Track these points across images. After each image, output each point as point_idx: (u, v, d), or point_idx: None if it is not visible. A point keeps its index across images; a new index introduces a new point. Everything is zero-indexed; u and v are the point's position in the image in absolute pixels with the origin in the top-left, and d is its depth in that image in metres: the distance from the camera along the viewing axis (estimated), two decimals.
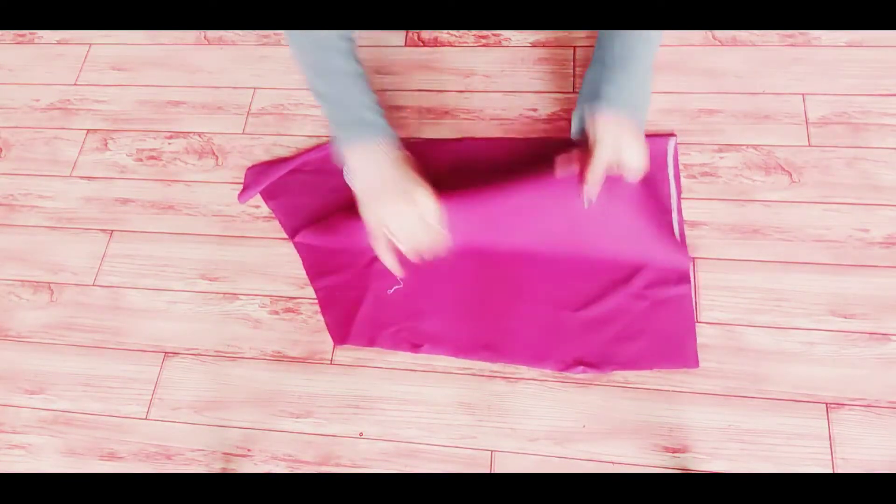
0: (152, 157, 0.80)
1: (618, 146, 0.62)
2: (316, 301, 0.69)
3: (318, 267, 0.70)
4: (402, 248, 0.65)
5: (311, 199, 0.74)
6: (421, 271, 0.68)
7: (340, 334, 0.67)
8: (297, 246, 0.72)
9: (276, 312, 0.69)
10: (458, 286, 0.68)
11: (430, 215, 0.64)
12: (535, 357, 0.64)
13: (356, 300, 0.68)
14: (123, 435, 0.66)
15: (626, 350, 0.63)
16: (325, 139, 0.78)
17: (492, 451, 0.62)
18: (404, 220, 0.63)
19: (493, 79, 0.80)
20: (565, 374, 0.63)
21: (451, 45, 0.83)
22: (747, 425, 0.60)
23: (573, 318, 0.65)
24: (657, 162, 0.71)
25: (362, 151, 0.64)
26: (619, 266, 0.66)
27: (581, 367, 0.63)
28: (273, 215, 0.74)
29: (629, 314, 0.64)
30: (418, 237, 0.64)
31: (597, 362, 0.63)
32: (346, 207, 0.70)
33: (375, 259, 0.69)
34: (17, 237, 0.77)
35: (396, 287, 0.68)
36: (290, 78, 0.82)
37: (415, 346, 0.65)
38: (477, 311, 0.66)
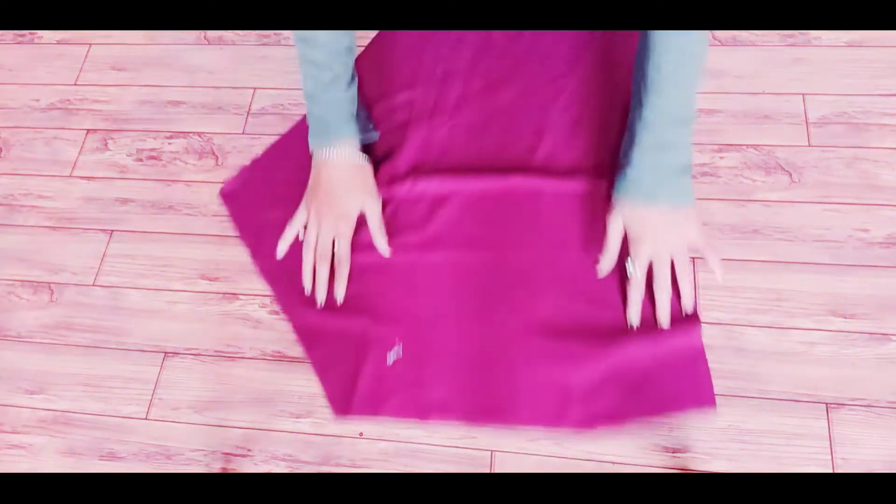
0: (152, 157, 0.80)
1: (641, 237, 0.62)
2: None
3: (310, 336, 0.66)
4: (308, 257, 0.67)
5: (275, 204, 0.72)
6: (422, 337, 0.65)
7: (342, 406, 0.63)
8: (264, 274, 0.70)
9: (276, 312, 0.69)
10: (462, 351, 0.64)
11: (372, 225, 0.68)
12: (550, 419, 0.61)
13: (355, 368, 0.64)
14: (123, 435, 0.66)
15: (641, 399, 0.60)
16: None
17: (492, 451, 0.62)
18: (326, 228, 0.67)
19: None
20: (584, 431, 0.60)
21: None
22: (747, 425, 0.60)
23: (583, 375, 0.61)
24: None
25: (323, 154, 0.69)
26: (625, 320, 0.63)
27: (599, 423, 0.60)
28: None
29: (639, 362, 0.61)
30: (326, 252, 0.67)
31: (614, 416, 0.60)
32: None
33: (373, 323, 0.65)
34: (17, 237, 0.77)
35: (396, 358, 0.64)
36: (290, 78, 0.82)
37: (421, 414, 0.62)
38: (483, 377, 0.63)
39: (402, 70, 0.79)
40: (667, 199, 0.62)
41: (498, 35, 0.79)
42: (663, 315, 0.62)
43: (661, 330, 0.61)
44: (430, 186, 0.71)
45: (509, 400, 0.62)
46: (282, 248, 0.69)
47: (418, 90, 0.77)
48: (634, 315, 0.62)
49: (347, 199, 0.68)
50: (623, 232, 0.63)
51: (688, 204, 0.62)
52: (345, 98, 0.69)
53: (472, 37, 0.80)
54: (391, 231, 0.69)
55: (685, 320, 0.62)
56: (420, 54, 0.79)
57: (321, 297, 0.67)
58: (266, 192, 0.74)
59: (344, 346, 0.65)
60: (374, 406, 0.62)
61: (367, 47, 0.81)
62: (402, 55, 0.80)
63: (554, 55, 0.78)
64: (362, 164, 0.69)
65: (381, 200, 0.70)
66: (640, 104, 0.61)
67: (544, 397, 0.61)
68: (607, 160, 0.70)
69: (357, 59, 0.79)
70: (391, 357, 0.64)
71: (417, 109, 0.76)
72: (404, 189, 0.71)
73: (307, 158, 0.72)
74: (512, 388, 0.62)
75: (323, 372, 0.65)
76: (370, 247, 0.69)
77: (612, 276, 0.65)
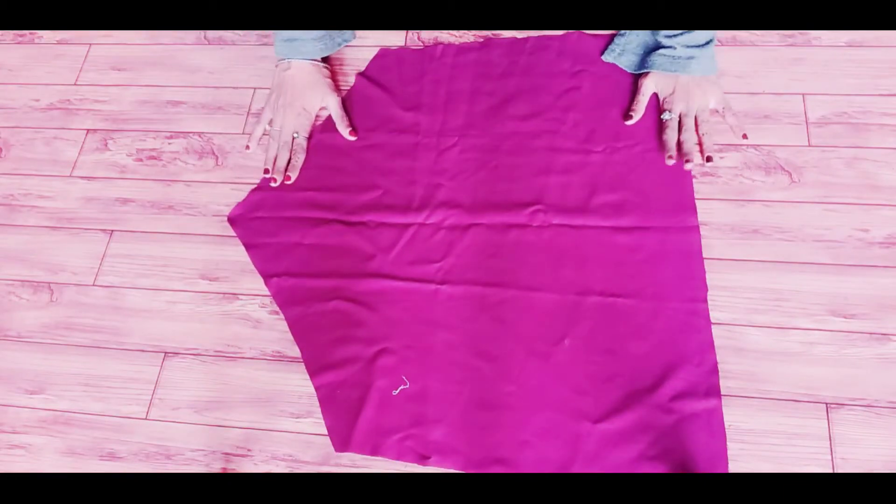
0: (152, 157, 0.80)
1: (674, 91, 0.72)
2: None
3: (317, 361, 0.66)
4: (273, 145, 0.76)
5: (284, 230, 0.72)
6: (430, 371, 0.64)
7: (341, 440, 0.62)
8: (275, 296, 0.69)
9: (276, 312, 0.69)
10: (469, 389, 0.63)
11: (334, 116, 0.76)
12: (553, 469, 0.60)
13: (358, 401, 0.63)
14: (123, 435, 0.66)
15: (653, 461, 0.59)
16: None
17: None
18: (288, 123, 0.76)
19: None
20: None
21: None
22: (747, 425, 0.60)
23: (594, 431, 0.60)
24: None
25: (286, 64, 0.77)
26: (644, 373, 0.62)
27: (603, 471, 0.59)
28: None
29: (654, 430, 0.59)
30: (286, 142, 0.75)
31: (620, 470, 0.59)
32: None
33: (380, 354, 0.65)
34: (17, 237, 0.77)
35: (402, 387, 0.63)
36: None
37: (422, 458, 0.61)
38: (488, 420, 0.61)
39: (407, 91, 0.78)
40: (694, 70, 0.71)
41: (497, 55, 0.78)
42: (691, 153, 0.70)
43: (682, 401, 0.60)
44: (448, 217, 0.70)
45: (514, 451, 0.60)
46: (252, 145, 0.77)
47: (423, 112, 0.76)
48: (672, 151, 0.70)
49: (307, 96, 0.76)
50: (653, 92, 0.73)
51: (711, 72, 0.72)
52: (312, 35, 0.76)
53: (472, 57, 0.79)
54: (408, 259, 0.69)
55: (707, 389, 0.60)
56: (420, 77, 0.79)
57: (279, 178, 0.74)
58: (274, 216, 0.73)
59: (349, 377, 0.64)
60: (374, 444, 0.61)
61: (368, 67, 0.80)
62: (405, 77, 0.79)
63: (557, 71, 0.76)
64: (321, 66, 0.78)
65: (340, 95, 0.78)
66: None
67: (550, 452, 0.60)
68: (630, 196, 0.69)
69: (357, 77, 0.80)
70: (397, 389, 0.63)
71: (424, 131, 0.75)
72: (420, 218, 0.70)
73: (311, 181, 0.74)
74: (519, 438, 0.60)
75: (326, 401, 0.64)
76: (383, 275, 0.68)
77: (634, 330, 0.63)
